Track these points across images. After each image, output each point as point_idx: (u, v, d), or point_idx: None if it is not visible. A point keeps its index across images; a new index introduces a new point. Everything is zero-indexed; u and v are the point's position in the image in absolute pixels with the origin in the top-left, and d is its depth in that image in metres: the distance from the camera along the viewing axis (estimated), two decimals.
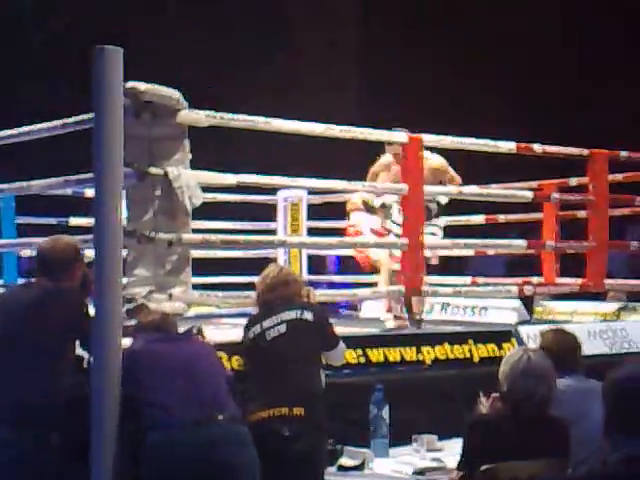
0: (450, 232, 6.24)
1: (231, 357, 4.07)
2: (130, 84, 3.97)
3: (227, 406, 3.45)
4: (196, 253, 5.36)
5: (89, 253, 4.69)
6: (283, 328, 3.87)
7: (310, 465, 3.70)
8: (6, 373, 3.49)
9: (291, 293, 4.03)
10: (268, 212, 7.26)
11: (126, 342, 3.59)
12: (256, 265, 7.35)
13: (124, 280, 3.92)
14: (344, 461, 3.96)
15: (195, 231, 4.60)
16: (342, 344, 4.08)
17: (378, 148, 5.71)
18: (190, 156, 4.37)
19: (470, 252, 7.37)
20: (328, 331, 4.01)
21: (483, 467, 3.16)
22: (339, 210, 7.49)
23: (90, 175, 3.90)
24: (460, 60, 13.38)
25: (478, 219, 7.32)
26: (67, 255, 3.68)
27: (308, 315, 3.92)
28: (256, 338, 3.90)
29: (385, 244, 5.67)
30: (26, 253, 7.00)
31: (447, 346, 4.95)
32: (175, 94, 4.20)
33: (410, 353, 4.80)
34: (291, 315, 3.91)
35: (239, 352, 4.04)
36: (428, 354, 4.87)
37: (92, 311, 3.55)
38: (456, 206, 6.20)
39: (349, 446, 4.01)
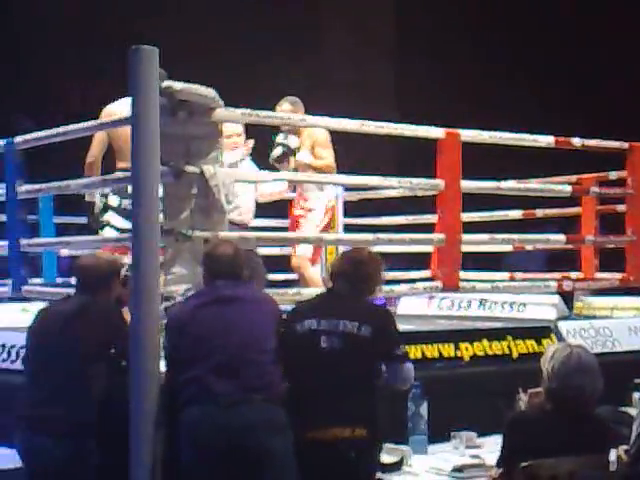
0: (487, 227, 6.20)
1: None
2: (166, 83, 3.98)
3: (267, 385, 3.42)
4: None
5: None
6: (338, 343, 3.58)
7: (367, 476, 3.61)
8: (45, 383, 3.55)
9: (365, 278, 3.75)
10: None
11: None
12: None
13: (162, 278, 3.94)
14: (383, 458, 3.94)
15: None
16: (407, 364, 3.69)
17: (414, 143, 5.68)
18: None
19: (508, 247, 7.32)
20: (386, 346, 3.64)
21: (523, 464, 3.14)
22: (376, 207, 7.48)
23: (127, 174, 3.93)
24: (495, 55, 13.30)
25: (516, 214, 7.26)
26: (105, 271, 3.76)
27: (366, 331, 3.58)
28: (308, 335, 3.63)
29: (422, 239, 5.65)
30: (64, 252, 7.07)
31: (485, 342, 4.93)
32: (211, 92, 4.21)
33: (448, 349, 4.78)
34: (348, 328, 3.59)
35: (281, 347, 3.67)
36: (466, 350, 4.85)
37: (128, 317, 3.58)
38: (493, 201, 6.16)
39: (387, 443, 4.00)
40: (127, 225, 4.85)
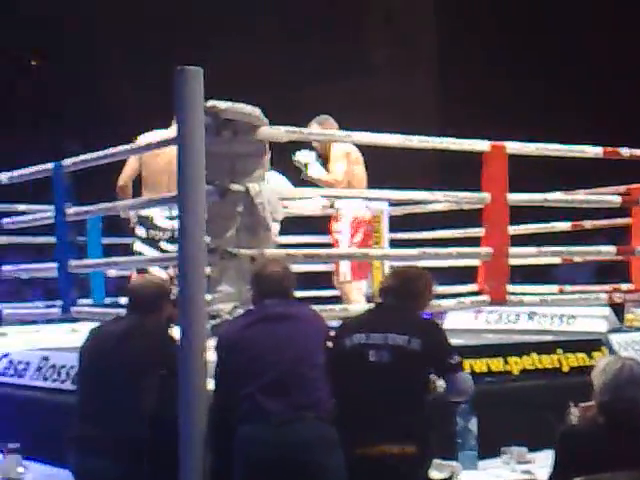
0: (535, 239, 6.14)
1: None
2: (210, 103, 4.01)
3: (317, 402, 3.42)
4: None
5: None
6: (387, 356, 3.55)
7: None
8: (96, 403, 3.58)
9: (414, 292, 3.73)
10: None
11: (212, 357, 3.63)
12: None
13: (208, 297, 3.96)
14: (432, 474, 3.91)
15: (277, 246, 4.62)
16: (463, 373, 3.67)
17: (457, 158, 5.66)
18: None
19: (556, 260, 7.24)
20: (438, 357, 3.60)
21: (576, 479, 3.09)
22: (421, 221, 7.45)
23: (173, 194, 3.97)
24: (538, 69, 13.24)
25: (564, 226, 7.19)
26: (155, 294, 3.80)
27: (416, 344, 3.54)
28: (356, 349, 3.60)
29: (469, 253, 5.61)
30: (112, 273, 7.13)
31: (535, 356, 4.87)
32: (255, 111, 4.24)
33: (497, 364, 4.74)
34: (398, 341, 3.55)
35: (329, 362, 3.61)
36: (516, 364, 4.80)
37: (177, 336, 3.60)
38: (541, 213, 6.11)
39: (436, 459, 3.97)
40: (155, 253, 5.26)
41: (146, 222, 5.43)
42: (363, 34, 15.42)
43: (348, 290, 5.96)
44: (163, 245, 5.43)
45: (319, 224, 7.17)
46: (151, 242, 5.41)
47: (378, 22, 15.36)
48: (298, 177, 5.71)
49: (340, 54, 14.55)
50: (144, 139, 5.36)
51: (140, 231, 5.49)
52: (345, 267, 5.90)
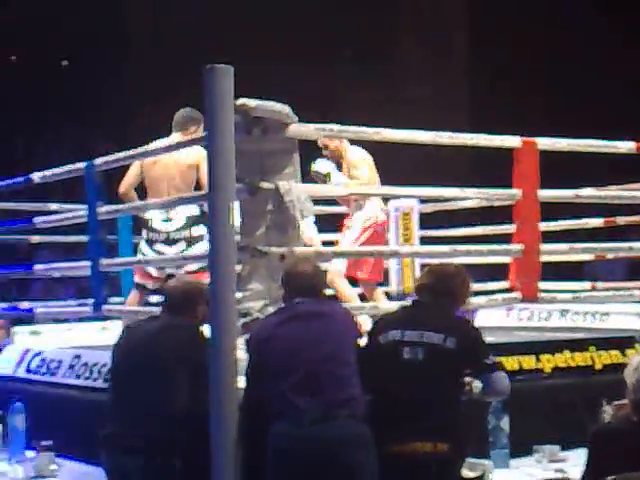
0: (567, 236, 6.10)
1: None
2: (240, 101, 4.02)
3: (349, 400, 3.41)
4: None
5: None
6: (422, 354, 3.53)
7: None
8: (128, 401, 3.60)
9: (458, 292, 3.75)
10: None
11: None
12: None
13: (239, 294, 3.97)
14: (464, 473, 3.89)
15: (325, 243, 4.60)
16: (499, 372, 3.61)
17: (489, 154, 5.62)
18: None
19: (588, 256, 7.19)
20: (474, 357, 3.57)
21: (609, 478, 3.06)
22: (452, 218, 7.43)
23: (204, 192, 3.98)
24: (570, 63, 13.15)
25: (596, 222, 7.13)
26: (190, 296, 3.81)
27: (451, 343, 3.52)
28: (391, 346, 3.59)
29: (500, 250, 5.58)
30: None
31: (567, 354, 4.84)
32: (285, 109, 4.24)
33: (529, 361, 4.71)
34: (433, 339, 3.53)
35: (363, 359, 3.61)
36: (548, 362, 4.76)
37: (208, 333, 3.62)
38: (572, 209, 6.07)
39: (469, 457, 3.95)
40: (152, 254, 5.51)
41: (146, 224, 5.57)
42: (392, 31, 15.38)
43: (340, 287, 5.87)
44: (159, 247, 5.53)
45: (331, 222, 7.17)
46: (150, 243, 5.56)
47: (407, 19, 15.32)
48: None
49: (369, 52, 14.53)
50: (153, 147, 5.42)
51: (143, 232, 5.64)
52: (340, 264, 5.83)
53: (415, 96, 14.50)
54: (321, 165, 5.77)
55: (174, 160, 5.43)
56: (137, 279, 5.72)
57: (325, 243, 5.83)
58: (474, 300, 5.27)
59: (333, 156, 5.88)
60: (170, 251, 5.46)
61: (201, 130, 5.32)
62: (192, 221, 5.45)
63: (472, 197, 5.52)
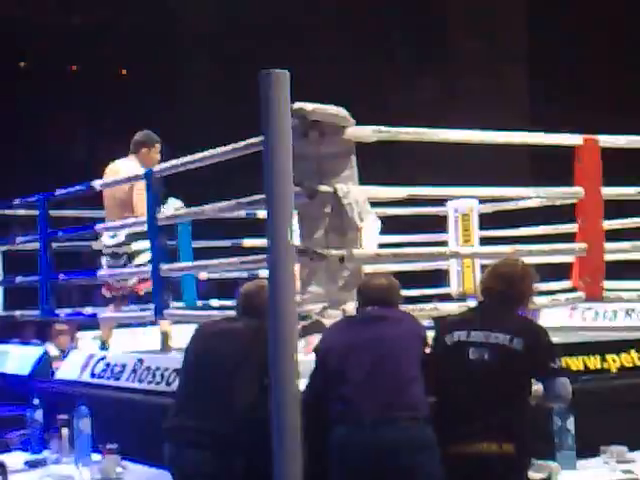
0: (630, 235, 5.99)
1: None
2: (297, 105, 4.02)
3: (412, 402, 3.40)
4: (369, 268, 5.36)
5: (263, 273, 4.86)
6: (488, 355, 3.51)
7: None
8: (198, 400, 3.63)
9: (517, 290, 3.68)
10: (438, 224, 7.21)
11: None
12: (428, 278, 7.31)
13: (298, 297, 3.97)
14: (531, 475, 3.85)
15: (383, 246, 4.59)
16: (563, 378, 3.58)
17: (546, 152, 5.54)
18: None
19: None
20: (541, 361, 3.54)
21: None
22: (512, 218, 7.34)
23: (262, 196, 3.99)
24: (632, 58, 12.93)
25: None
26: (265, 297, 3.81)
27: (518, 344, 3.50)
28: (456, 346, 3.58)
29: (563, 250, 5.51)
30: (203, 276, 7.22)
31: (634, 353, 4.75)
32: (342, 111, 4.23)
33: (594, 361, 4.63)
34: (500, 339, 3.52)
35: (428, 360, 3.62)
36: (614, 362, 4.68)
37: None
38: (635, 207, 5.97)
39: (535, 459, 3.90)
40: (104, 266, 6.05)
41: (98, 239, 6.15)
42: (449, 29, 15.27)
43: None
44: (105, 259, 6.07)
45: (407, 223, 7.14)
46: (103, 256, 6.12)
47: (465, 16, 15.18)
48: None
49: (425, 50, 14.45)
50: (109, 171, 6.08)
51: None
52: None
53: (473, 91, 14.37)
54: None
55: (117, 177, 5.92)
56: (103, 291, 6.22)
57: (385, 245, 5.82)
58: (537, 300, 5.21)
59: None
60: (116, 263, 6.01)
61: (153, 151, 6.05)
62: (132, 238, 5.91)
63: (535, 196, 5.45)
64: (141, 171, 5.75)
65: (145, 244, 5.85)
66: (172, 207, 5.95)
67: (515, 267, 3.82)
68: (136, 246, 5.96)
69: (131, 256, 5.99)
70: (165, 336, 6.04)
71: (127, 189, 5.85)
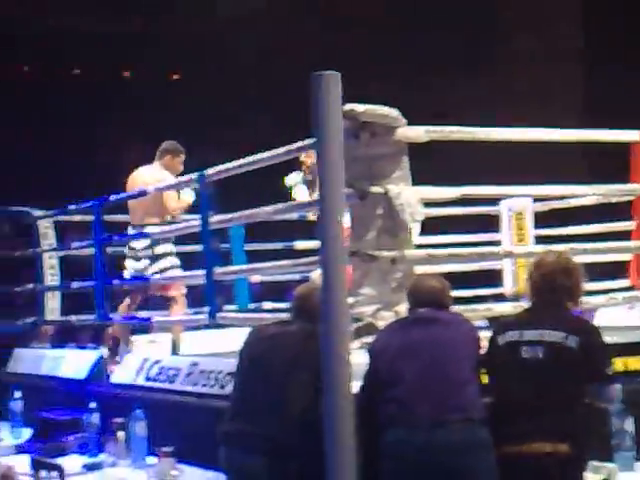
0: None
1: None
2: (348, 106, 4.01)
3: (466, 404, 3.37)
4: (422, 268, 5.33)
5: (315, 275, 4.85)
6: (541, 352, 3.46)
7: None
8: (252, 403, 3.64)
9: (567, 286, 3.62)
10: (492, 223, 7.14)
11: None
12: (481, 278, 7.25)
13: (350, 300, 3.95)
14: (588, 476, 3.79)
15: (419, 246, 4.58)
16: (616, 385, 3.54)
17: (599, 149, 5.47)
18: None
19: None
20: (595, 363, 3.48)
21: None
22: (566, 216, 7.24)
23: (314, 199, 3.98)
24: None
25: None
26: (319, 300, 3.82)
27: (573, 342, 3.45)
28: (509, 346, 3.54)
29: (619, 248, 5.42)
30: (256, 279, 7.24)
31: None
32: (393, 112, 4.21)
33: None
34: (554, 337, 3.47)
35: (482, 361, 3.60)
36: None
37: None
38: None
39: (593, 460, 3.84)
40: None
41: (127, 242, 6.37)
42: (502, 25, 15.12)
43: None
44: (128, 262, 6.33)
45: (457, 223, 7.09)
46: (126, 259, 6.39)
47: (518, 11, 15.01)
48: None
49: (478, 47, 14.33)
50: (135, 177, 6.44)
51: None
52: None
53: (524, 88, 14.22)
54: (289, 178, 6.26)
55: (143, 182, 6.26)
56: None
57: (436, 246, 5.78)
58: (594, 299, 5.14)
59: (311, 172, 6.30)
60: (137, 266, 6.26)
61: (176, 160, 6.42)
62: (155, 241, 6.17)
63: (590, 194, 5.37)
64: (167, 174, 6.17)
65: (168, 247, 6.16)
66: (185, 197, 6.15)
67: (558, 261, 3.75)
68: (160, 249, 6.18)
69: (153, 259, 6.18)
70: (175, 342, 6.12)
71: (153, 194, 6.12)
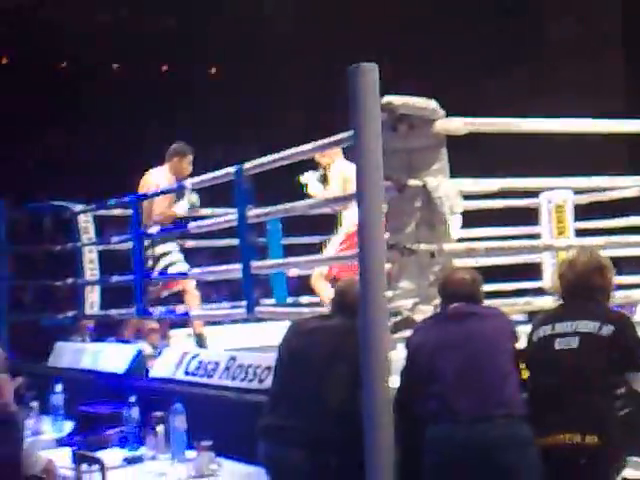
0: None
1: None
2: (386, 99, 3.97)
3: (507, 400, 3.34)
4: (461, 262, 5.29)
5: None
6: (575, 342, 3.43)
7: None
8: (292, 397, 3.63)
9: (600, 285, 3.59)
10: (531, 216, 7.07)
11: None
12: (521, 272, 7.18)
13: (389, 293, 3.93)
14: (628, 473, 3.73)
15: (458, 240, 4.54)
16: None
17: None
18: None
19: None
20: (629, 353, 3.41)
21: None
22: (608, 209, 7.15)
23: (352, 192, 3.96)
24: None
25: None
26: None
27: (606, 330, 3.41)
28: (542, 340, 3.52)
29: None
30: (293, 273, 7.24)
31: None
32: (431, 104, 4.17)
33: None
34: (588, 327, 3.44)
35: (522, 358, 3.59)
36: None
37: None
38: None
39: (633, 456, 3.77)
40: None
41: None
42: (543, 17, 14.97)
43: (318, 288, 6.23)
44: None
45: (495, 216, 7.02)
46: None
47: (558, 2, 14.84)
48: None
49: (518, 38, 14.20)
50: (144, 179, 6.52)
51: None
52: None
53: (568, 80, 14.06)
54: (305, 176, 6.28)
55: (145, 186, 6.41)
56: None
57: (476, 239, 5.72)
58: (634, 294, 5.06)
59: (324, 168, 6.32)
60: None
61: (184, 161, 6.45)
62: (154, 242, 6.29)
63: (632, 186, 5.30)
64: (168, 178, 6.29)
65: (167, 247, 6.30)
66: (188, 201, 6.24)
67: (585, 258, 3.70)
68: (159, 250, 6.29)
69: (155, 259, 6.28)
70: (200, 338, 6.14)
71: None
